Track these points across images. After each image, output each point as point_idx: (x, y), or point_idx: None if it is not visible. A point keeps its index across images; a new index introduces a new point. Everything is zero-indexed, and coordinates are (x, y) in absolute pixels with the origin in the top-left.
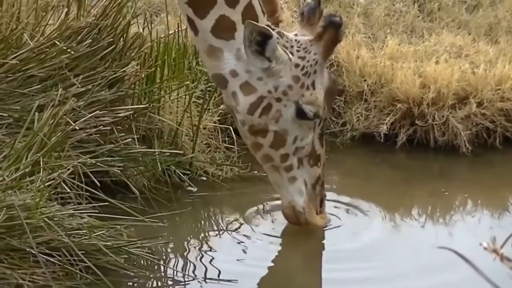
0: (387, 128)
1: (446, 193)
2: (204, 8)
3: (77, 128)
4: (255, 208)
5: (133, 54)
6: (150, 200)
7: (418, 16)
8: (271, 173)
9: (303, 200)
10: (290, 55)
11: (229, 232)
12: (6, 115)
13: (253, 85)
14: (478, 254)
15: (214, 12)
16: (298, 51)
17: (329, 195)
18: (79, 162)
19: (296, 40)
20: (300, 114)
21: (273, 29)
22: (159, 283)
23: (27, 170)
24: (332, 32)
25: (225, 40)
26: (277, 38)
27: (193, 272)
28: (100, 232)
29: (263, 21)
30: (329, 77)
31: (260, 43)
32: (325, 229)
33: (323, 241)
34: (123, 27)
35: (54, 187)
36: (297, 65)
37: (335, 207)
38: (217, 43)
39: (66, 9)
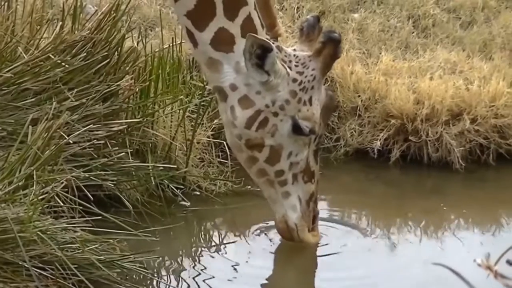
0: (380, 144)
1: (440, 209)
2: (203, 20)
3: (71, 142)
4: (249, 224)
5: (127, 68)
6: (143, 214)
7: (413, 32)
8: (266, 188)
9: (296, 216)
10: (288, 70)
11: (222, 247)
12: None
13: (251, 98)
14: (471, 271)
15: (213, 24)
16: (296, 66)
17: (323, 210)
18: (72, 176)
19: (294, 55)
20: (296, 129)
21: (272, 43)
22: None
23: (20, 183)
24: (331, 48)
25: (224, 53)
26: (276, 52)
27: (186, 286)
28: (93, 246)
29: (262, 35)
30: (326, 93)
31: (260, 56)
32: (319, 245)
33: (316, 258)
34: (117, 41)
35: (48, 200)
36: (295, 80)
37: (329, 222)
38: (217, 56)
39: (60, 23)
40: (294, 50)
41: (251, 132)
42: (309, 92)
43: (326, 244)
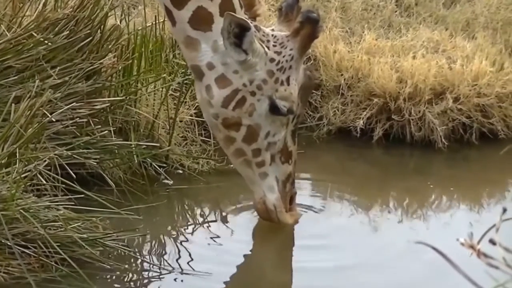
0: (363, 122)
1: (422, 189)
2: None
3: (54, 120)
4: (231, 202)
5: (110, 46)
6: (126, 192)
7: (396, 11)
8: (244, 168)
9: (274, 197)
10: (266, 49)
11: (204, 225)
12: None
13: (228, 78)
14: (454, 250)
15: (192, 3)
16: (274, 45)
17: (305, 189)
18: (55, 154)
19: (272, 35)
20: (274, 109)
21: (250, 22)
22: (135, 276)
23: (3, 161)
24: (309, 28)
25: (202, 32)
26: (255, 31)
27: (169, 264)
28: (76, 224)
29: (241, 14)
30: (305, 73)
31: (238, 35)
32: (300, 223)
33: (297, 236)
34: (100, 19)
35: (30, 178)
36: (272, 60)
37: (311, 201)
38: (195, 34)
39: (43, 1)
40: (272, 30)
41: (228, 111)
42: (286, 72)
43: (308, 222)
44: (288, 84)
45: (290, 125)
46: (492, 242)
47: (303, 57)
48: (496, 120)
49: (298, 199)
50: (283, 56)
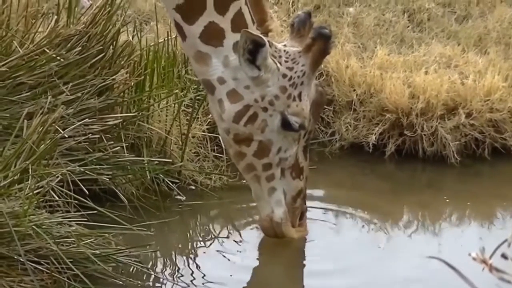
0: (375, 138)
1: (434, 204)
2: (193, 14)
3: (66, 136)
4: (244, 218)
5: (122, 62)
6: (138, 208)
7: (408, 26)
8: (253, 184)
9: (282, 211)
10: (279, 65)
11: (217, 241)
12: None
13: (240, 93)
14: (466, 265)
15: (203, 18)
16: (286, 61)
17: (317, 204)
18: (67, 170)
19: (285, 50)
20: (286, 124)
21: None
22: None
23: (15, 177)
24: (321, 44)
25: (213, 47)
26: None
27: (181, 280)
28: (89, 240)
29: (253, 30)
30: (317, 89)
31: (252, 51)
32: (311, 239)
33: (308, 251)
34: (112, 35)
35: (43, 195)
36: (284, 76)
37: (323, 217)
38: (205, 49)
39: (56, 17)
40: (285, 45)
41: (239, 126)
42: (298, 87)
43: (320, 238)
44: (300, 100)
45: (301, 140)
46: (504, 256)
47: (315, 73)
48: (509, 135)
49: (310, 214)
50: (295, 72)
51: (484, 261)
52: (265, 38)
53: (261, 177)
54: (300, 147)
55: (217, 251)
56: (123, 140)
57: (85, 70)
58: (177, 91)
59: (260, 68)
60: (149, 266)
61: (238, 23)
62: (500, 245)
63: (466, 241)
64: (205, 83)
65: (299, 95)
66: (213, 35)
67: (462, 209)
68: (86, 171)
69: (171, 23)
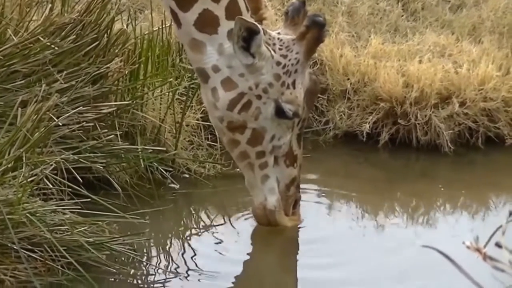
0: (369, 127)
1: (428, 193)
2: (188, 1)
3: (60, 124)
4: (238, 206)
5: (116, 51)
6: (132, 196)
7: (402, 15)
8: (246, 171)
9: (275, 199)
10: (273, 53)
11: (210, 229)
12: None
13: (234, 81)
14: (461, 253)
15: (198, 6)
16: (280, 49)
17: (311, 193)
18: (61, 158)
19: (279, 38)
20: (279, 112)
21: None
22: (141, 280)
23: (9, 165)
24: (315, 32)
25: (208, 34)
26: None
27: (175, 268)
28: (82, 228)
29: (247, 18)
30: (310, 77)
31: (246, 39)
32: (305, 227)
33: (302, 239)
34: (107, 23)
35: (37, 182)
36: (278, 63)
37: (316, 205)
38: (200, 37)
39: (50, 5)
40: (279, 33)
41: (233, 114)
42: (292, 75)
43: (314, 226)
44: (294, 88)
45: (295, 128)
46: (498, 245)
47: (308, 61)
48: (502, 124)
49: (304, 202)
50: (289, 60)
51: (478, 250)
52: (259, 26)
53: (255, 165)
54: (294, 135)
55: (211, 239)
56: (117, 128)
57: (79, 58)
58: (171, 79)
59: (254, 56)
60: (142, 254)
61: (232, 11)
62: (494, 233)
63: (460, 230)
64: (200, 71)
65: (293, 83)
66: (207, 23)
67: (456, 198)
68: (80, 159)
69: (166, 10)
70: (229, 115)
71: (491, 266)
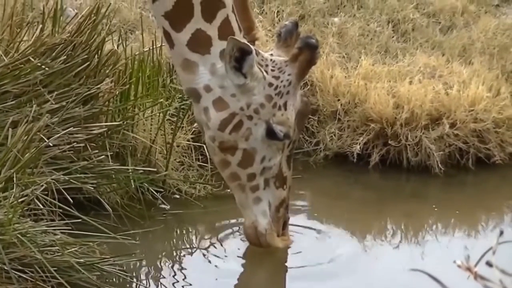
0: (360, 148)
1: (419, 213)
2: (181, 21)
3: (51, 144)
4: (228, 227)
5: (107, 71)
6: (123, 217)
7: (392, 37)
8: (237, 192)
9: (266, 222)
10: (265, 74)
11: (201, 250)
12: None
13: (226, 101)
14: (451, 275)
15: (191, 26)
16: (272, 70)
17: (301, 214)
18: (52, 179)
19: (271, 59)
20: (270, 133)
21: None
22: None
23: (0, 186)
24: (307, 54)
25: (201, 55)
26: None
27: None
28: (73, 249)
29: (240, 38)
30: (302, 99)
31: (238, 59)
32: (295, 248)
33: (292, 260)
34: (97, 44)
35: (27, 203)
36: (270, 84)
37: (307, 226)
38: (193, 57)
39: (41, 26)
40: (271, 55)
41: (224, 134)
42: (284, 97)
43: (304, 248)
44: (286, 109)
45: (285, 150)
46: (489, 264)
47: (300, 83)
48: (493, 145)
49: (295, 223)
50: (281, 81)
51: (469, 269)
52: (252, 46)
53: (246, 187)
54: (284, 157)
55: (202, 260)
56: (108, 149)
57: (70, 79)
58: (162, 100)
59: (246, 76)
60: (133, 274)
61: (225, 31)
62: (486, 253)
63: (450, 250)
64: (191, 91)
65: (285, 104)
66: (200, 43)
67: (446, 219)
68: (71, 180)
69: (160, 31)
70: (220, 135)
71: (482, 285)
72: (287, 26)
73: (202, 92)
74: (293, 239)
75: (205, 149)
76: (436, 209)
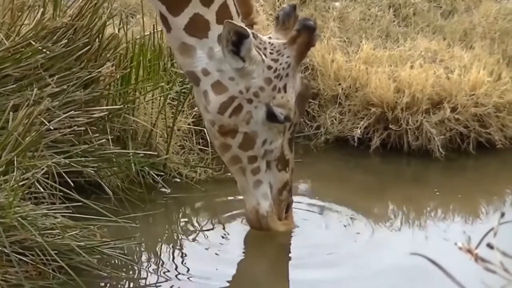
0: (361, 132)
1: (419, 197)
2: (179, 6)
3: (52, 128)
4: (229, 210)
5: (108, 55)
6: (123, 201)
7: (393, 21)
8: (238, 176)
9: (268, 204)
10: (263, 57)
11: (201, 233)
12: None
13: (224, 84)
14: (451, 259)
15: (189, 10)
16: (271, 53)
17: (302, 198)
18: (53, 162)
19: (269, 42)
20: (271, 116)
21: (248, 30)
22: (132, 284)
23: (1, 169)
24: (305, 36)
25: (198, 39)
26: (252, 38)
27: (166, 273)
28: (74, 232)
29: (238, 22)
30: (302, 81)
31: (236, 43)
32: (297, 232)
33: (294, 244)
34: (98, 27)
35: (28, 186)
36: (269, 67)
37: (308, 210)
38: (190, 41)
39: (42, 9)
40: (270, 38)
41: (224, 118)
42: (283, 79)
43: (305, 232)
44: (285, 92)
45: (287, 133)
46: (490, 246)
47: (299, 65)
48: (494, 129)
49: (295, 207)
50: (280, 64)
51: (470, 251)
52: (248, 30)
53: (247, 170)
54: (285, 140)
55: (202, 244)
56: (109, 133)
57: (71, 62)
58: (162, 84)
59: (245, 60)
60: (134, 258)
61: (223, 15)
62: (486, 235)
63: (451, 234)
64: (190, 74)
65: (284, 86)
66: (198, 27)
67: (447, 203)
68: (72, 163)
69: (156, 15)
70: (220, 119)
71: (482, 267)
72: (285, 9)
73: (201, 76)
74: (295, 223)
75: (206, 133)
76: (437, 193)
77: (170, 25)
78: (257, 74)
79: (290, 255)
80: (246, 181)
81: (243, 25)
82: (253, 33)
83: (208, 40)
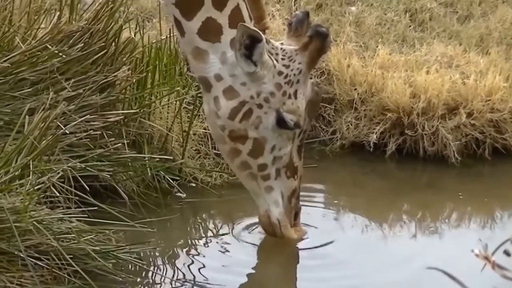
0: (376, 137)
1: (435, 203)
2: (192, 9)
3: (68, 132)
4: (244, 216)
5: (124, 59)
6: (139, 205)
7: (410, 26)
8: (248, 181)
9: (278, 212)
10: (275, 62)
11: (217, 238)
12: None
13: (236, 89)
14: (466, 266)
15: (201, 14)
16: (283, 59)
17: (317, 203)
18: (68, 166)
19: (281, 48)
20: (280, 122)
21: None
22: None
23: (16, 173)
24: (318, 42)
25: (211, 43)
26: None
27: (181, 278)
28: (89, 237)
29: (250, 26)
30: (312, 88)
31: (248, 46)
32: (310, 237)
33: (310, 251)
34: (115, 31)
35: (44, 190)
36: (280, 73)
37: (323, 215)
38: (203, 45)
39: (58, 13)
40: (282, 43)
41: (234, 123)
42: (294, 85)
43: (320, 237)
44: (296, 98)
45: (296, 140)
46: (507, 253)
47: (310, 72)
48: (510, 135)
49: (310, 213)
50: (291, 70)
51: (486, 258)
52: (262, 34)
53: (257, 176)
54: (294, 146)
55: (217, 248)
56: (124, 137)
57: (87, 66)
58: (178, 88)
59: (257, 64)
60: (149, 263)
61: (235, 19)
62: (504, 243)
63: (466, 241)
64: (202, 80)
65: (295, 93)
66: (210, 31)
67: (462, 209)
68: (87, 168)
69: (171, 19)
70: (230, 124)
71: (499, 275)
72: (298, 16)
73: (213, 82)
74: (307, 228)
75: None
76: (455, 199)
77: (183, 29)
78: (268, 79)
79: (304, 261)
80: (258, 185)
81: (256, 29)
82: (265, 38)
83: (221, 45)
